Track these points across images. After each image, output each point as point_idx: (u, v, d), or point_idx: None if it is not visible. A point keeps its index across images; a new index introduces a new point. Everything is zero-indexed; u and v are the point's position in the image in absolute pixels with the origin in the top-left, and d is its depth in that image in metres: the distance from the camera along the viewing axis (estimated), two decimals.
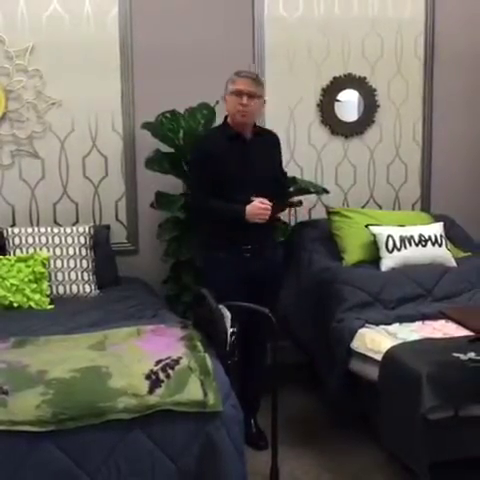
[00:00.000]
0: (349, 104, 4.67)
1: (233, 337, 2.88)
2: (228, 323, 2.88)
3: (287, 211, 4.46)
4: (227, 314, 2.94)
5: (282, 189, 3.76)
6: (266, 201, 3.39)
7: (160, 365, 2.59)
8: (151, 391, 2.47)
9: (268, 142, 3.62)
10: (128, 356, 2.69)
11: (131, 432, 2.42)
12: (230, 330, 2.85)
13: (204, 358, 2.68)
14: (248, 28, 4.40)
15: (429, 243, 3.99)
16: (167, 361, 2.61)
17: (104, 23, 4.16)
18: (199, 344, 2.81)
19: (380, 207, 4.74)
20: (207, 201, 3.47)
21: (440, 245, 4.03)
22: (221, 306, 2.93)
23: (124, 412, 2.41)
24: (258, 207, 3.37)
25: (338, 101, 4.62)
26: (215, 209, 3.49)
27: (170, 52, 4.23)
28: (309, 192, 4.27)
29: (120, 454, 2.40)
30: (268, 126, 4.43)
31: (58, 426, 2.34)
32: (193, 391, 2.51)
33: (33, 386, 2.44)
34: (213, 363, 2.67)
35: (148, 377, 2.52)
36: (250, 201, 3.37)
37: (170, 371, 2.56)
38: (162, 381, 2.52)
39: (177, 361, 2.62)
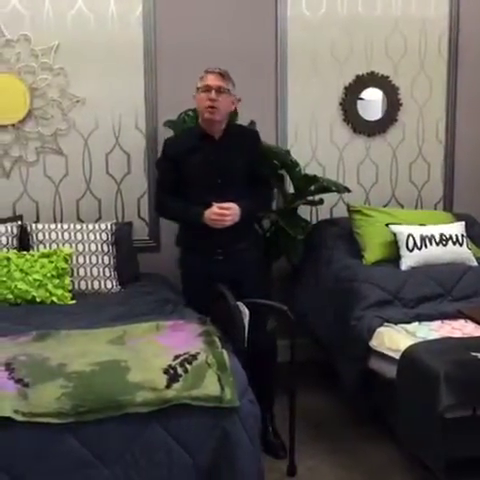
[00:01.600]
0: (372, 103, 4.66)
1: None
2: (246, 320, 2.91)
3: (309, 209, 4.52)
4: (245, 311, 2.96)
5: (262, 189, 3.59)
6: (226, 206, 3.28)
7: (178, 360, 2.61)
8: (169, 385, 2.49)
9: (242, 141, 3.49)
10: (147, 351, 2.72)
11: (149, 425, 2.45)
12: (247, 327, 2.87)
13: (222, 354, 2.70)
14: (271, 27, 4.40)
15: (450, 242, 3.97)
16: (185, 356, 2.64)
17: (128, 22, 4.19)
18: (217, 340, 2.83)
19: (402, 206, 4.72)
20: (168, 201, 3.49)
21: (461, 244, 4.01)
22: (239, 303, 2.95)
23: (142, 405, 2.43)
24: (213, 213, 3.28)
25: (361, 100, 4.61)
26: (175, 210, 3.49)
27: (193, 51, 4.24)
28: (331, 190, 4.26)
29: (138, 447, 2.42)
30: (290, 124, 4.50)
31: (77, 418, 2.37)
32: (210, 386, 2.53)
33: (53, 379, 2.48)
34: (230, 359, 2.69)
35: (166, 371, 2.55)
36: (211, 205, 3.29)
37: (188, 366, 2.58)
38: (180, 376, 2.54)
39: (195, 356, 2.64)
